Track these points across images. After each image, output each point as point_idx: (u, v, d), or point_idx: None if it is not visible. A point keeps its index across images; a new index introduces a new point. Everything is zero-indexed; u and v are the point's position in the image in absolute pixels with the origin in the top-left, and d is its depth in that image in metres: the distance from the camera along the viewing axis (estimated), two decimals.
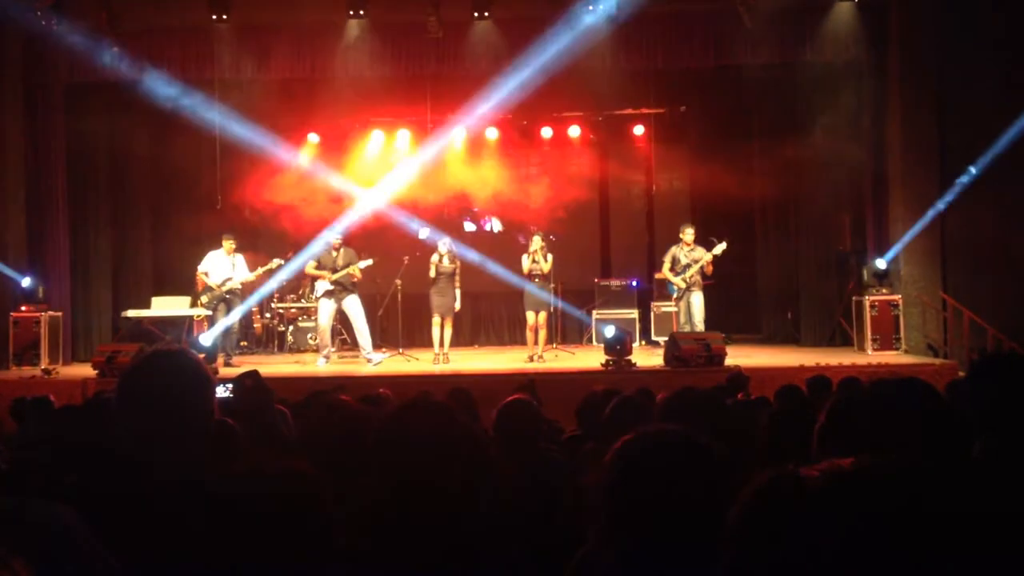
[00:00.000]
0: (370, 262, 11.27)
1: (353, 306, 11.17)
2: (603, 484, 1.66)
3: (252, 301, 12.29)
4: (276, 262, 11.98)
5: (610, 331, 10.51)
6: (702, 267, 11.24)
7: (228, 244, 11.63)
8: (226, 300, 11.50)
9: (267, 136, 14.11)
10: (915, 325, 11.30)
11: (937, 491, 0.69)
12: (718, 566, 0.78)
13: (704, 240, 11.42)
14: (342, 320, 12.21)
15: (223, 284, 11.48)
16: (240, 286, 11.65)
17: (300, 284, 13.70)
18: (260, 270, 11.74)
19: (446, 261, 11.15)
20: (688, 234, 11.44)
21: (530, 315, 11.29)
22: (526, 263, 11.26)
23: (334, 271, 11.12)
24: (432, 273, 11.13)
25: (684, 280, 11.26)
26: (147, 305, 12.27)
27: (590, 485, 1.78)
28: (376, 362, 11.11)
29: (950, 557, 0.66)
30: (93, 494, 1.91)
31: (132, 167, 13.56)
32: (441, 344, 11.23)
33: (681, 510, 1.60)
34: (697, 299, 11.24)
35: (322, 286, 11.39)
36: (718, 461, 1.67)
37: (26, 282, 11.47)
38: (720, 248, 11.19)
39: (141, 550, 1.71)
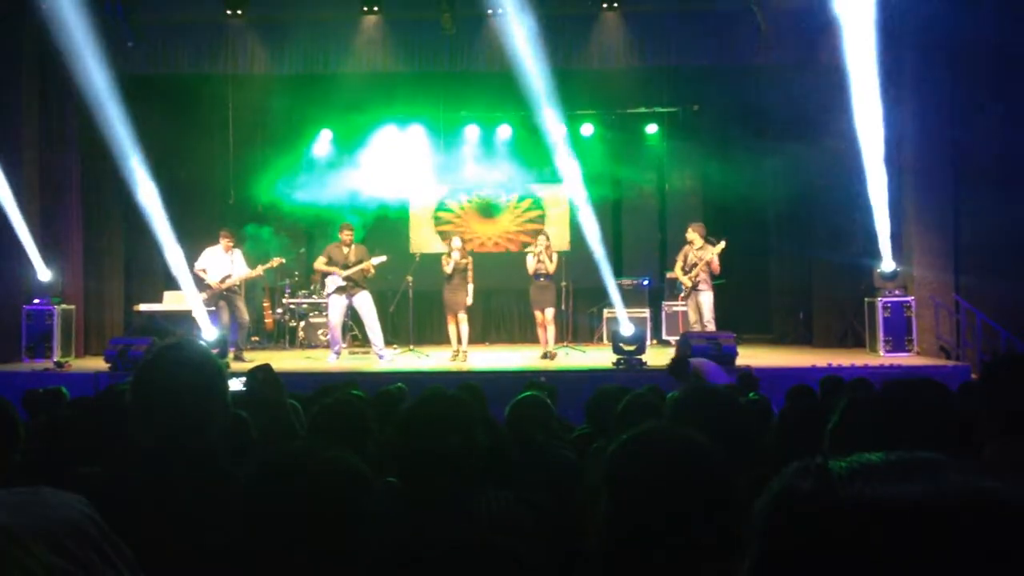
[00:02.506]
0: (383, 259, 11.26)
1: (364, 302, 11.11)
2: (601, 483, 1.66)
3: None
4: (276, 259, 11.88)
5: (629, 329, 10.51)
6: (709, 266, 11.20)
7: (226, 240, 11.44)
8: (226, 297, 11.31)
9: (280, 131, 14.15)
10: (927, 327, 11.25)
11: (968, 487, 0.70)
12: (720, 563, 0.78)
13: (712, 240, 11.37)
14: (353, 316, 12.21)
15: (222, 281, 11.29)
16: (239, 283, 11.52)
17: (311, 280, 13.72)
18: (260, 267, 11.60)
19: (458, 257, 11.15)
20: (689, 232, 11.39)
21: (536, 314, 11.30)
22: (531, 263, 11.25)
23: (345, 267, 11.11)
24: (448, 270, 11.11)
25: (689, 279, 11.22)
26: (159, 299, 12.31)
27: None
28: (387, 359, 11.09)
29: (979, 553, 0.67)
30: (107, 485, 1.92)
31: (145, 161, 13.59)
32: (459, 341, 11.22)
33: (675, 509, 1.59)
34: (706, 298, 11.20)
35: (333, 282, 11.37)
36: (715, 460, 1.65)
37: (43, 275, 11.52)
38: (720, 247, 11.13)
39: (156, 541, 1.72)
